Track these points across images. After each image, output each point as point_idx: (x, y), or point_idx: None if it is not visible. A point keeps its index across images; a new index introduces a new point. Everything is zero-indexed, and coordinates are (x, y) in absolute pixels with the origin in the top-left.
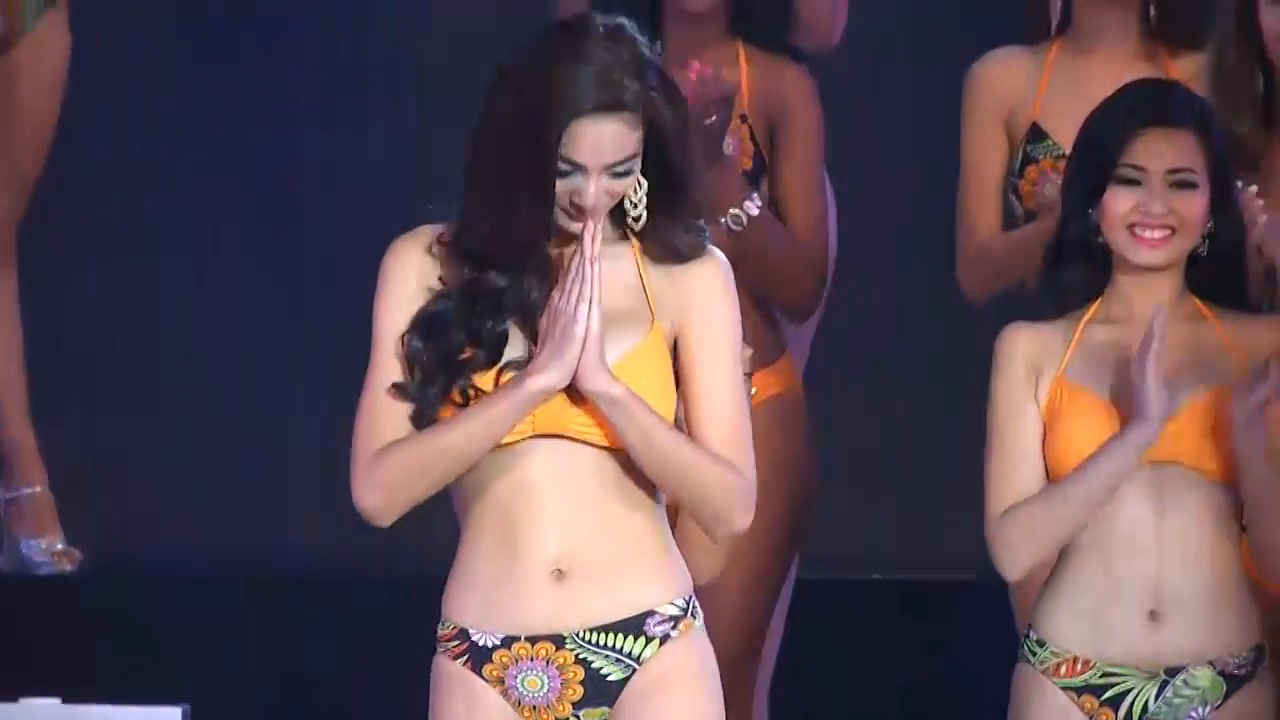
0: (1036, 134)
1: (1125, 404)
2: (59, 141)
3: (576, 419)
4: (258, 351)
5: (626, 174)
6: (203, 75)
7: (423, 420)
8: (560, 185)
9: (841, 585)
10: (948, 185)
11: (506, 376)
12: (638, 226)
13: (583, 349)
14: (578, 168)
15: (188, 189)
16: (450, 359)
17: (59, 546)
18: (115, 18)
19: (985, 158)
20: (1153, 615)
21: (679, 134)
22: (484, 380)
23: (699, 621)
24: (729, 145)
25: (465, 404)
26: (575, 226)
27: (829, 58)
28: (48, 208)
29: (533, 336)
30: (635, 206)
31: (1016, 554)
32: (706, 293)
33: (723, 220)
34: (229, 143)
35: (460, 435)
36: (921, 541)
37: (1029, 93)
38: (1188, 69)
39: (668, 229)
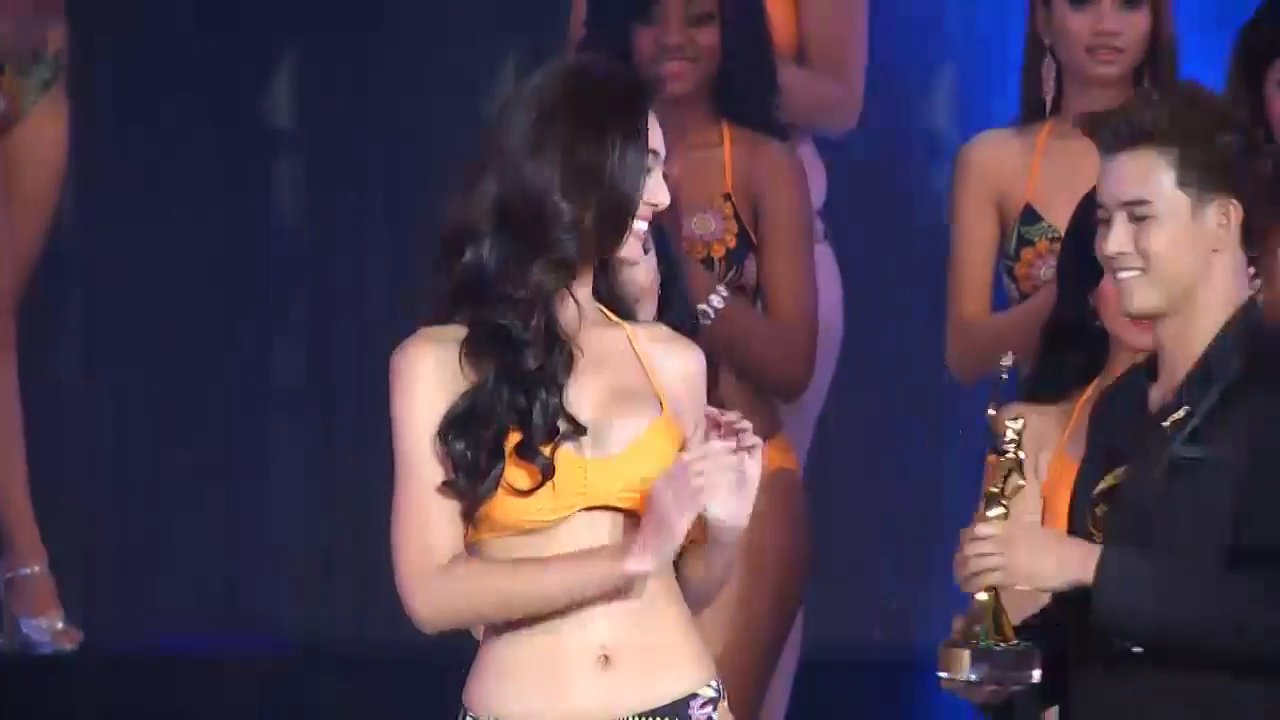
0: (1030, 215)
1: None
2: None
3: (619, 485)
4: (267, 434)
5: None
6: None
7: (474, 512)
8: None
9: (848, 666)
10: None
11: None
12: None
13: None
14: (655, 157)
15: (175, 273)
16: (498, 448)
17: (59, 626)
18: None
19: (974, 238)
20: None
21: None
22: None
23: (725, 703)
24: (710, 223)
25: (540, 482)
26: (643, 229)
27: (843, 142)
28: (45, 289)
29: (568, 417)
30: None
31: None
32: (698, 385)
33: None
34: (214, 237)
35: (535, 591)
36: (918, 623)
37: (1021, 174)
38: None
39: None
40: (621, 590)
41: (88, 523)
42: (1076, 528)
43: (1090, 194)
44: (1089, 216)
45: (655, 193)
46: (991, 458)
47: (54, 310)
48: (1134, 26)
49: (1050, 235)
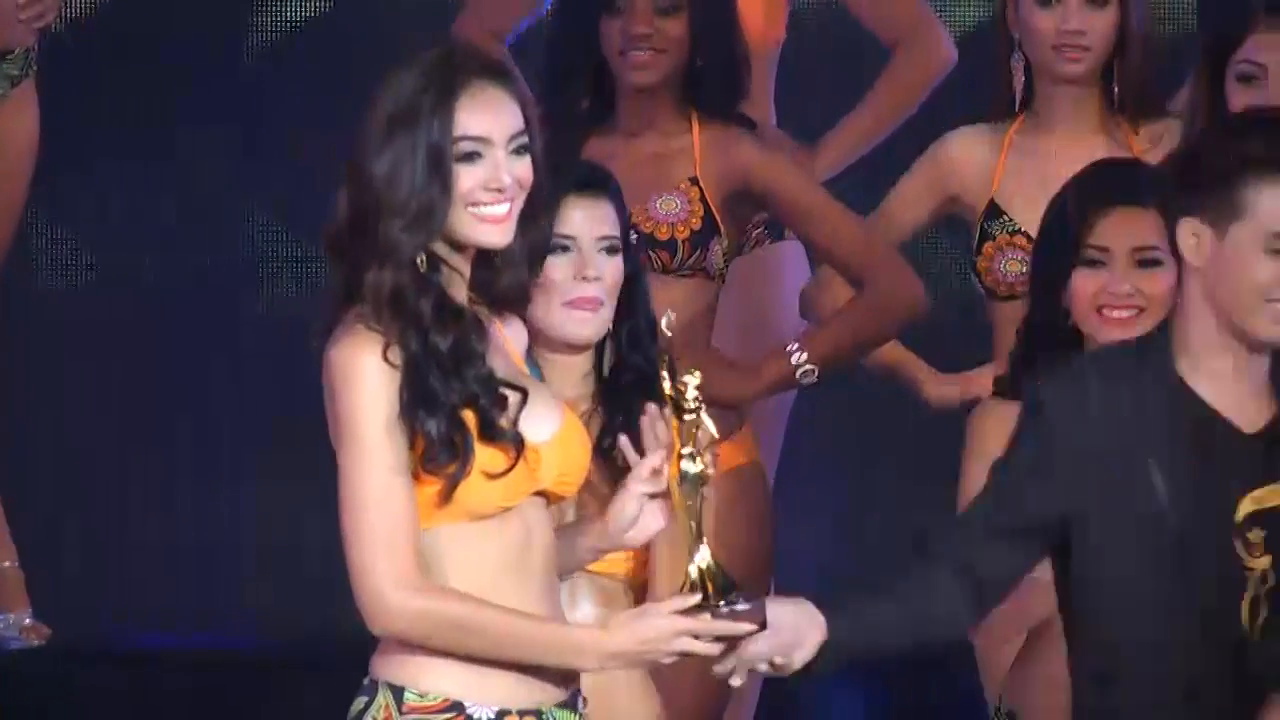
0: (993, 211)
1: None
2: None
3: (557, 471)
4: (236, 424)
5: (526, 151)
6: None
7: (450, 496)
8: (467, 174)
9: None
10: (932, 263)
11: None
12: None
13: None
14: (481, 142)
15: (141, 264)
16: (461, 425)
17: (27, 621)
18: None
19: (903, 210)
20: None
21: (539, 138)
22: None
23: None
24: (674, 203)
25: (514, 461)
26: (492, 213)
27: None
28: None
29: (506, 384)
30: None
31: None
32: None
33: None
34: (187, 229)
35: (513, 644)
36: None
37: (987, 171)
38: (1148, 138)
39: (515, 266)
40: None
41: (56, 518)
42: (1209, 557)
43: (1060, 194)
44: (1059, 216)
45: (481, 180)
46: (678, 420)
47: (20, 304)
48: (1100, 24)
49: (1011, 230)
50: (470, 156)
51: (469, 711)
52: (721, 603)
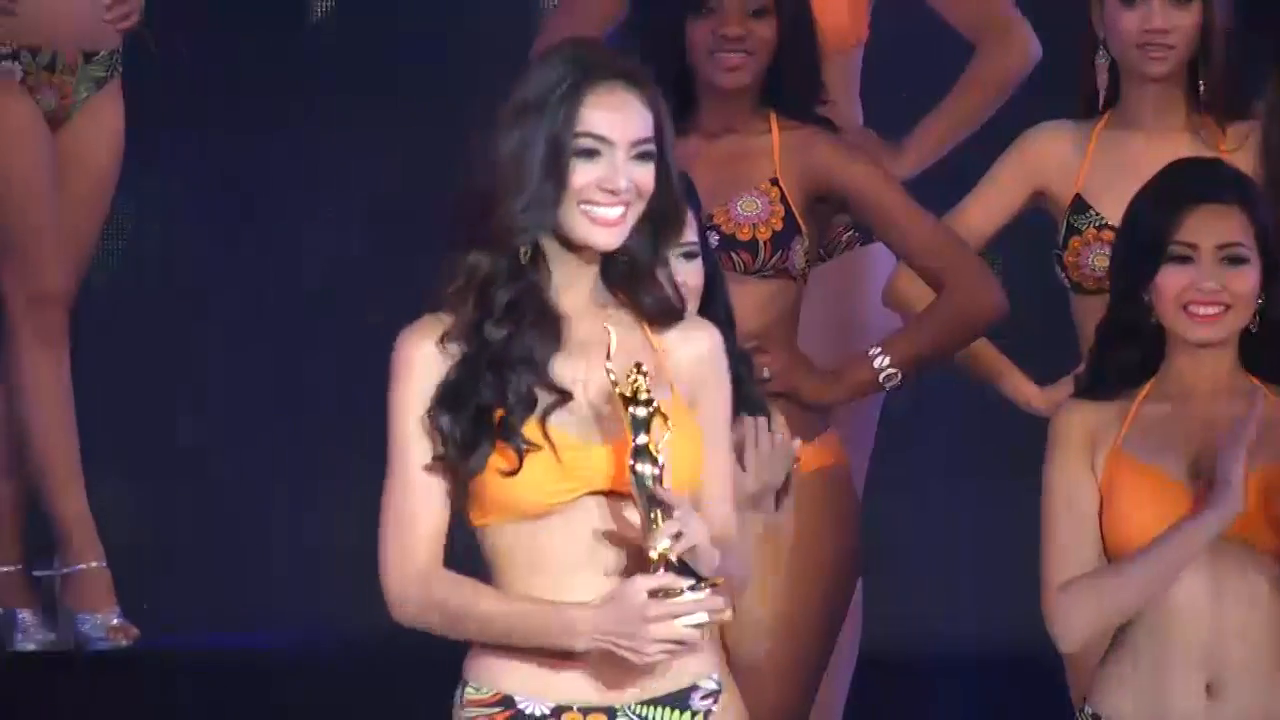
0: (1080, 205)
1: (1184, 480)
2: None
3: (626, 469)
4: (314, 420)
5: (651, 159)
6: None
7: (467, 492)
8: (583, 171)
9: (905, 662)
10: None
11: (553, 427)
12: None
13: None
14: (602, 141)
15: (227, 266)
16: (485, 422)
17: (115, 622)
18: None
19: (991, 203)
20: (1210, 689)
21: (671, 154)
22: (532, 432)
23: (727, 697)
24: (755, 204)
25: (518, 463)
26: (603, 215)
27: (895, 132)
28: (96, 286)
29: (546, 386)
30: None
31: (1075, 627)
32: (712, 367)
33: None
34: (256, 237)
35: (507, 627)
36: (978, 617)
37: (1074, 166)
38: (1235, 138)
39: (652, 282)
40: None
41: (144, 519)
42: None
43: (1144, 189)
44: (1142, 213)
45: (596, 179)
46: (638, 411)
47: (110, 306)
48: (1184, 23)
49: (1098, 224)
50: (589, 153)
51: (520, 706)
52: (687, 587)
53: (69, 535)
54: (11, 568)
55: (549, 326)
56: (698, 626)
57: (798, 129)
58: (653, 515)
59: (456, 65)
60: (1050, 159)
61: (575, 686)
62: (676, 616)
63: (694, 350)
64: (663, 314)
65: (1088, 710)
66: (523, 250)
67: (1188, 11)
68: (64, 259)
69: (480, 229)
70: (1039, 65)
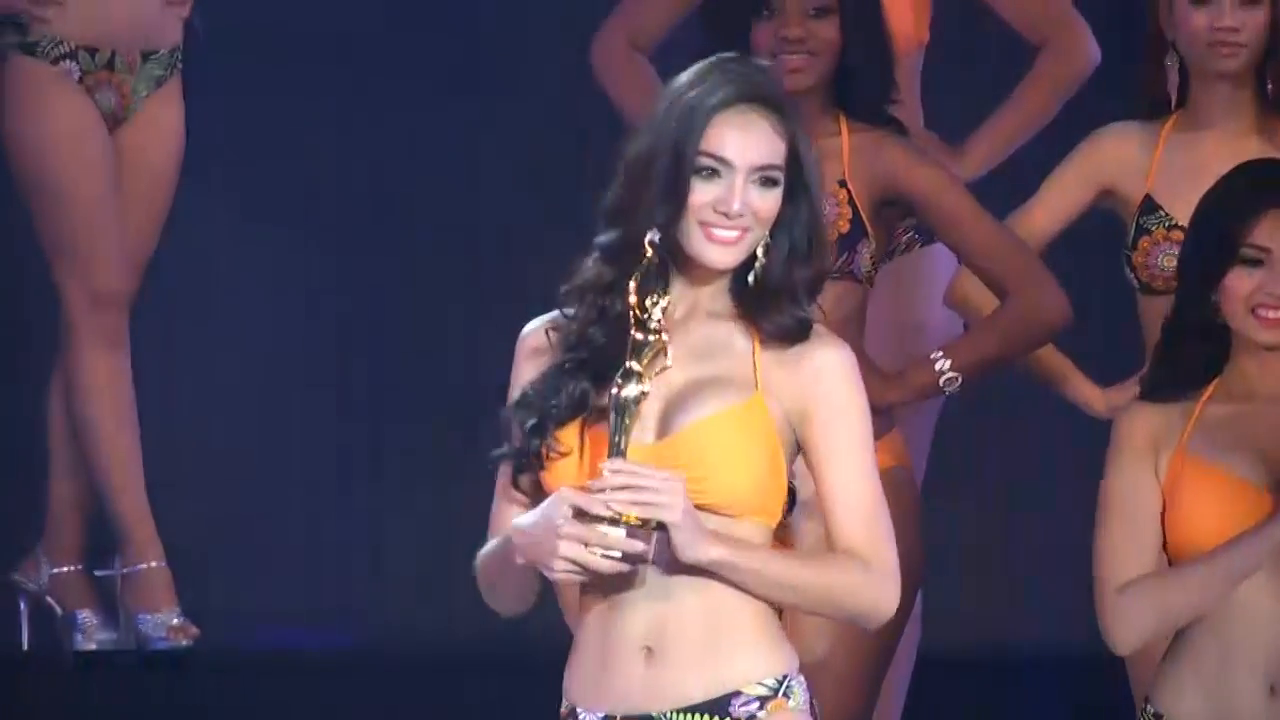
0: (1149, 206)
1: (1249, 479)
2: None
3: (677, 467)
4: (369, 425)
5: (774, 185)
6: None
7: (533, 489)
8: (701, 190)
9: (964, 662)
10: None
11: (597, 432)
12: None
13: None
14: (722, 164)
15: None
16: (542, 427)
17: (175, 621)
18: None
19: (1057, 202)
20: (1274, 690)
21: (817, 184)
22: (566, 434)
23: (793, 702)
24: (826, 207)
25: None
26: (720, 235)
27: (954, 135)
28: (158, 282)
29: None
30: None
31: (1132, 630)
32: (829, 382)
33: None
34: (330, 237)
35: (491, 564)
36: (1039, 616)
37: (1142, 166)
38: None
39: (778, 303)
40: (670, 578)
41: (205, 519)
42: None
43: (1213, 190)
44: (1212, 214)
45: (712, 200)
46: (639, 335)
47: (167, 309)
48: (1254, 21)
49: (1168, 225)
50: (707, 173)
51: (580, 717)
52: (608, 521)
53: (130, 535)
54: (72, 568)
55: (627, 341)
56: (613, 559)
57: (867, 131)
58: (617, 440)
59: (474, 59)
60: (1119, 160)
61: (620, 695)
62: (588, 543)
63: (811, 364)
64: (782, 338)
65: (1149, 709)
66: (647, 257)
67: (1258, 9)
68: (124, 260)
69: (609, 235)
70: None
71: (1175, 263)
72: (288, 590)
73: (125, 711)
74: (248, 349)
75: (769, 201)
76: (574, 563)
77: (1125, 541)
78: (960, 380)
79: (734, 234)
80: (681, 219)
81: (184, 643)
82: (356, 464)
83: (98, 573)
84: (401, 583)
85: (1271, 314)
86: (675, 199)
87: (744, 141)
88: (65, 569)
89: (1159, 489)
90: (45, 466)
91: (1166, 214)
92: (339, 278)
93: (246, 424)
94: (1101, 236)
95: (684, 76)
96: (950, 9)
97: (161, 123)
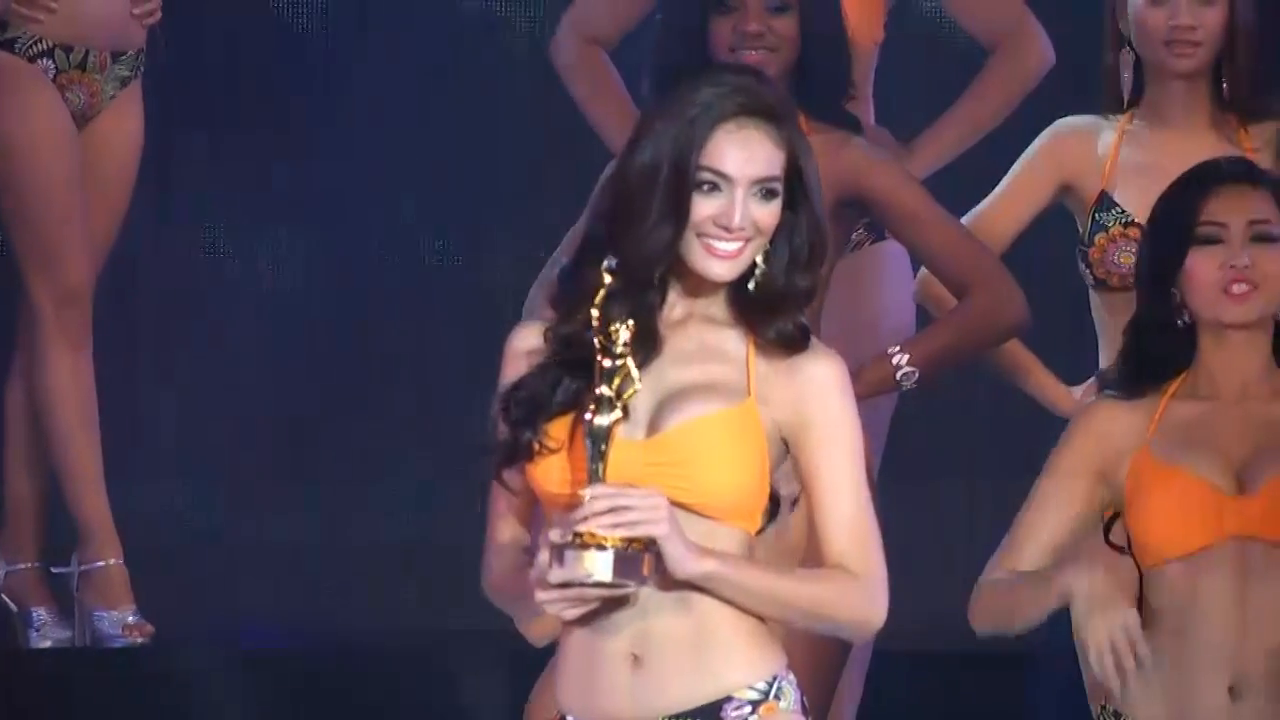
0: (1106, 202)
1: (1212, 478)
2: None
3: (656, 468)
4: (335, 414)
5: (774, 196)
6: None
7: (510, 479)
8: (702, 205)
9: (919, 657)
10: (1037, 260)
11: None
12: (752, 287)
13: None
14: (722, 178)
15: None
16: (529, 423)
17: (130, 619)
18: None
19: (1017, 199)
20: (1233, 691)
21: (817, 191)
22: (557, 428)
23: (784, 703)
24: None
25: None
26: (721, 249)
27: (907, 134)
28: (114, 275)
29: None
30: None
31: (980, 621)
32: (824, 394)
33: None
34: (298, 230)
35: (506, 600)
36: None
37: (1099, 161)
38: (1259, 138)
39: (779, 310)
40: (649, 594)
41: (162, 517)
42: None
43: (1170, 189)
44: (1169, 209)
45: (713, 214)
46: (605, 363)
47: (129, 305)
48: (1210, 19)
49: (1124, 221)
50: (708, 187)
51: None
52: (609, 547)
53: (88, 532)
54: (28, 565)
55: (642, 342)
56: (603, 583)
57: (826, 132)
58: (595, 468)
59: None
60: (1076, 155)
61: (609, 703)
62: (570, 586)
63: (806, 376)
64: (781, 347)
65: (1109, 709)
66: (606, 287)
67: (1214, 8)
68: (85, 255)
69: (605, 240)
70: (1052, 69)
71: (1132, 259)
72: (245, 589)
73: (81, 709)
74: (209, 347)
75: (770, 213)
76: (567, 601)
77: (1026, 537)
78: (917, 376)
79: (735, 246)
80: (682, 236)
81: (140, 641)
82: (316, 462)
83: (55, 570)
84: (361, 581)
85: (1240, 288)
86: (677, 214)
87: (743, 155)
88: (22, 566)
89: (1089, 496)
90: (2, 464)
91: (1123, 210)
92: (304, 275)
93: (205, 422)
94: (1055, 232)
95: (678, 90)
96: (905, 8)
97: (125, 123)
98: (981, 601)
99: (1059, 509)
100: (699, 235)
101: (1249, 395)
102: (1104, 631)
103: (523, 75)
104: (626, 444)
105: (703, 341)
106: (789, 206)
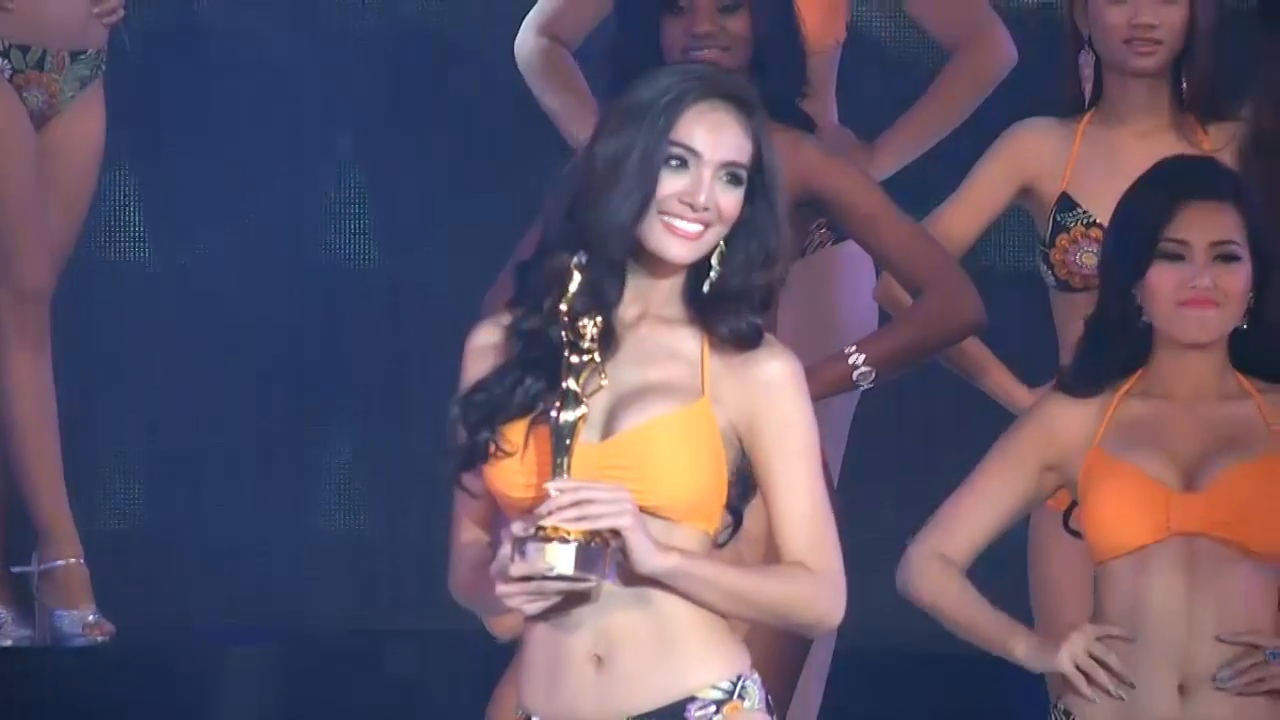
0: (1066, 203)
1: (1162, 478)
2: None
3: (611, 468)
4: (292, 413)
5: (739, 184)
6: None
7: (468, 481)
8: (669, 181)
9: (877, 656)
10: (994, 262)
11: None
12: (708, 288)
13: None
14: (691, 154)
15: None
16: (486, 423)
17: (91, 618)
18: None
19: (980, 200)
20: (1183, 690)
21: (779, 190)
22: (513, 431)
23: (749, 702)
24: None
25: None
26: (683, 228)
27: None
28: (81, 273)
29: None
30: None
31: (917, 597)
32: (778, 393)
33: None
34: (262, 227)
35: (471, 598)
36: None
37: (1060, 162)
38: (1219, 138)
39: (734, 308)
40: (610, 593)
41: (122, 515)
42: None
43: (1131, 189)
44: (1132, 211)
45: (678, 191)
46: (573, 358)
47: (86, 303)
48: (1171, 18)
49: (1086, 222)
50: (677, 163)
51: None
52: (572, 540)
53: (48, 531)
54: None
55: (604, 340)
56: (565, 577)
57: (782, 132)
58: (560, 463)
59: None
60: (1036, 156)
61: (573, 704)
62: (531, 579)
63: (760, 374)
64: (735, 344)
65: (1060, 707)
66: (615, 260)
67: (1175, 7)
68: (44, 255)
69: (570, 232)
70: (1014, 68)
71: (1094, 260)
72: (206, 588)
73: (41, 708)
74: (167, 347)
75: (733, 200)
76: (528, 595)
77: (960, 521)
78: (874, 375)
79: (696, 229)
80: (646, 213)
81: (99, 639)
82: (276, 461)
83: (15, 569)
84: (322, 581)
85: (1194, 310)
86: (644, 189)
87: (714, 136)
88: None
89: (1029, 488)
90: None
91: (1085, 211)
92: (258, 276)
93: (166, 421)
94: (1015, 233)
95: (647, 79)
96: (867, 6)
97: (85, 123)
98: (926, 581)
99: (996, 499)
100: (661, 213)
101: (1201, 395)
102: (1069, 662)
103: (491, 80)
104: (583, 447)
105: (657, 342)
106: (749, 201)
